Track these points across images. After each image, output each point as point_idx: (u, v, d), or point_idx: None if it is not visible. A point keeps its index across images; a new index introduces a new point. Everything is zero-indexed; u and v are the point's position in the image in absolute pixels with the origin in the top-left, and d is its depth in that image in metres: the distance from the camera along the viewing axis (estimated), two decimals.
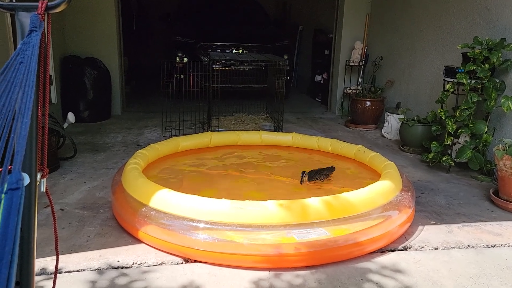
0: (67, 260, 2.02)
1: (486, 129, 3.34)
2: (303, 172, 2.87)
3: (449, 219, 2.64)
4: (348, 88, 5.80)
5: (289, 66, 6.72)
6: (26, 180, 0.98)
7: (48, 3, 1.11)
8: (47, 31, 1.19)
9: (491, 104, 3.31)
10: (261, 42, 6.61)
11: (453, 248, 2.27)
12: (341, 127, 5.35)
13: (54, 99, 4.86)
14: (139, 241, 2.22)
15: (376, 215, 2.25)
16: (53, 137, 3.31)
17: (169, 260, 2.07)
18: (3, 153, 0.77)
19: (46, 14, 1.15)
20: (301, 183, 2.85)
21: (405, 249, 2.26)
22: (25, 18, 1.06)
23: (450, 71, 3.64)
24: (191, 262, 2.06)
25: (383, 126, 4.89)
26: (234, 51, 6.39)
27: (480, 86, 3.40)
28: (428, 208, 2.81)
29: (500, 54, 3.28)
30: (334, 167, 3.02)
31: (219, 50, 6.29)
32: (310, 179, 2.86)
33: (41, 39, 1.09)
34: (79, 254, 2.09)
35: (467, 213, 2.75)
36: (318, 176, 2.90)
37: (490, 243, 2.33)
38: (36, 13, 1.08)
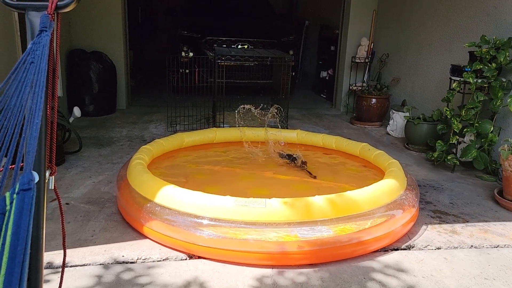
0: (73, 255, 2.05)
1: (492, 128, 3.33)
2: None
3: (453, 219, 2.64)
4: (354, 85, 5.78)
5: (294, 62, 6.71)
6: (36, 178, 1.00)
7: (58, 3, 1.11)
8: (57, 30, 1.20)
9: (497, 103, 3.30)
10: (266, 38, 6.59)
11: (456, 248, 2.28)
12: (346, 124, 5.34)
13: (60, 93, 4.87)
14: (143, 236, 2.24)
15: (380, 214, 2.25)
16: (58, 131, 3.33)
17: (173, 256, 2.09)
18: (15, 152, 0.79)
19: (55, 14, 1.16)
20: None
21: (408, 248, 2.27)
22: (35, 18, 1.07)
23: (456, 70, 3.62)
24: (195, 258, 2.08)
25: (388, 124, 4.88)
26: (239, 46, 6.38)
27: (486, 85, 3.38)
28: (432, 207, 2.81)
29: (507, 54, 3.26)
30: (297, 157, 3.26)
31: (225, 45, 6.28)
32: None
33: (51, 39, 1.10)
34: (85, 248, 2.11)
35: (471, 212, 2.75)
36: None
37: (493, 243, 2.33)
38: (46, 13, 1.09)
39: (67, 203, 2.65)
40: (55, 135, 1.13)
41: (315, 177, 3.03)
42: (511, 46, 3.27)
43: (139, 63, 8.12)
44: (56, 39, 1.19)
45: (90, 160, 3.52)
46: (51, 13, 1.10)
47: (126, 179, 2.52)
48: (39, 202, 1.00)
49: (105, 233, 2.29)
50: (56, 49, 1.19)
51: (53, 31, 1.12)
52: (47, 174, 1.08)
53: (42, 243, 1.03)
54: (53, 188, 1.13)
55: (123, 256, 2.07)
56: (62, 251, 2.08)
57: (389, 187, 2.42)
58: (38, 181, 1.01)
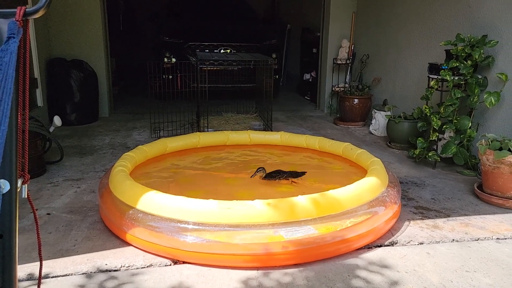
0: (54, 265, 2.02)
1: (470, 124, 3.40)
2: (260, 169, 2.90)
3: (435, 214, 2.68)
4: (336, 86, 5.84)
5: (277, 65, 6.75)
6: (7, 186, 0.98)
7: (27, 9, 1.11)
8: (27, 37, 1.19)
9: (474, 100, 3.37)
10: (249, 42, 6.62)
11: (438, 242, 2.32)
12: (330, 125, 5.39)
13: (40, 103, 4.81)
14: (127, 243, 2.22)
15: (362, 211, 2.27)
16: (39, 141, 3.28)
17: (157, 262, 2.07)
18: None
19: (25, 20, 1.14)
20: (251, 177, 2.89)
21: (391, 244, 2.29)
22: (3, 25, 1.06)
23: (434, 68, 3.69)
24: (180, 264, 2.07)
25: (371, 123, 4.94)
26: (222, 51, 6.39)
27: (463, 82, 3.45)
28: (415, 204, 2.85)
29: (482, 51, 3.33)
30: (304, 173, 2.93)
31: (207, 50, 6.28)
32: (266, 177, 2.87)
33: (19, 46, 1.08)
34: (67, 258, 2.08)
35: (452, 207, 2.80)
36: (277, 176, 2.87)
37: (474, 236, 2.38)
38: (14, 19, 1.08)
39: (48, 213, 2.61)
40: (27, 143, 1.11)
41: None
42: (485, 43, 3.35)
43: (122, 70, 8.07)
44: (26, 45, 1.17)
45: (72, 169, 3.47)
46: (20, 19, 1.09)
47: (108, 187, 2.50)
48: (11, 210, 0.99)
49: (87, 242, 2.26)
50: (26, 56, 1.18)
51: (23, 38, 1.11)
52: (19, 182, 1.06)
53: (15, 252, 1.01)
54: (26, 197, 1.11)
55: (106, 264, 2.04)
56: (43, 262, 2.05)
57: (371, 184, 2.44)
58: (10, 189, 1.00)
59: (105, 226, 2.42)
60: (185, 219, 2.07)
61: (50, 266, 2.01)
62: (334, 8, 5.86)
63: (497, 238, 2.37)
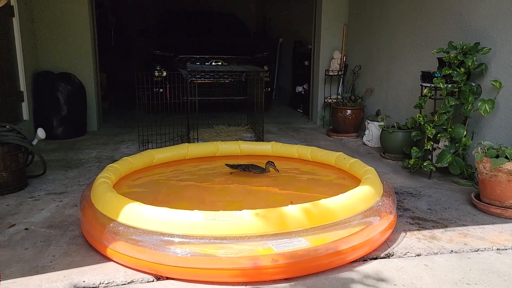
0: (28, 283, 1.88)
1: (465, 132, 3.33)
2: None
3: (432, 225, 2.58)
4: (329, 97, 5.79)
5: (269, 78, 6.71)
6: None
7: None
8: None
9: (469, 107, 3.31)
10: (240, 55, 6.59)
11: (436, 254, 2.21)
12: (323, 136, 5.31)
13: (26, 116, 4.69)
14: (107, 259, 2.09)
15: (356, 221, 2.16)
16: (20, 154, 3.16)
17: (139, 278, 1.94)
18: None
19: None
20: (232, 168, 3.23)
21: (387, 256, 2.18)
22: None
23: (427, 76, 3.63)
24: (163, 280, 1.94)
25: (364, 134, 4.87)
26: (213, 63, 6.35)
27: (456, 90, 3.40)
28: (411, 214, 2.75)
29: (474, 58, 3.29)
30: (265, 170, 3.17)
31: (198, 63, 6.23)
32: (239, 168, 3.18)
33: None
34: (42, 275, 1.94)
35: (449, 218, 2.70)
36: (248, 169, 3.18)
37: (473, 247, 2.27)
38: None
39: (26, 229, 2.47)
40: None
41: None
42: (477, 50, 3.31)
43: (113, 85, 8.00)
44: None
45: (55, 183, 3.34)
46: None
47: (90, 199, 2.37)
48: None
49: (65, 257, 2.12)
50: None
51: None
52: None
53: None
54: None
55: (84, 281, 1.91)
56: (16, 280, 1.91)
57: (365, 193, 2.34)
58: None
59: (85, 240, 2.29)
60: (169, 232, 1.94)
61: (23, 284, 1.87)
62: (325, 21, 5.86)
63: (497, 249, 2.27)
